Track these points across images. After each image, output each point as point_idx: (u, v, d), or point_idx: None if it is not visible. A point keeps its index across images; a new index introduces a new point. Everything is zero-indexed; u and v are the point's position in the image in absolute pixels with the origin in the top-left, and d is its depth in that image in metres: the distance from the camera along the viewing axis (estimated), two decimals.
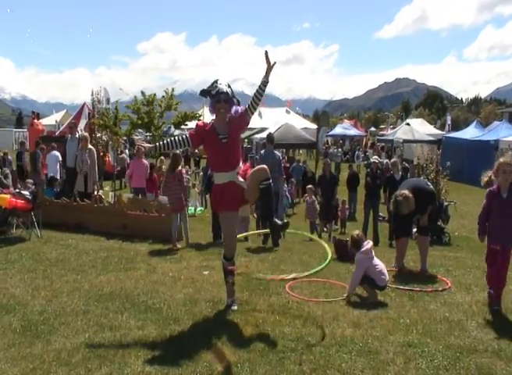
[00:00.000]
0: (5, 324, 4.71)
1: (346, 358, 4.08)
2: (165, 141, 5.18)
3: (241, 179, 5.05)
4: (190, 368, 3.86)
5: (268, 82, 4.91)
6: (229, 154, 5.00)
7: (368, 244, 5.90)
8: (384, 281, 5.73)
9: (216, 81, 5.01)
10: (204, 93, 5.06)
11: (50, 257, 7.40)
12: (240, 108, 5.06)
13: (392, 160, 13.24)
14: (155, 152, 5.17)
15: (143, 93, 15.80)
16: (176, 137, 5.20)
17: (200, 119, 19.71)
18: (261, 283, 6.10)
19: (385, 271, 5.80)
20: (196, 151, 29.35)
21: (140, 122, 15.65)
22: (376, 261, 5.82)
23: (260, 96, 4.97)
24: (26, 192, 8.88)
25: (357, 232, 6.10)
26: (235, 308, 5.20)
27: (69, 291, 5.77)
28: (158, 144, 5.17)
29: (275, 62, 4.82)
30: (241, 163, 5.21)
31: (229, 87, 5.00)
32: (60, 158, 14.49)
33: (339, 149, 36.46)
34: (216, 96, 4.92)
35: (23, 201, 8.65)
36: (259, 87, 4.93)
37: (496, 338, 4.58)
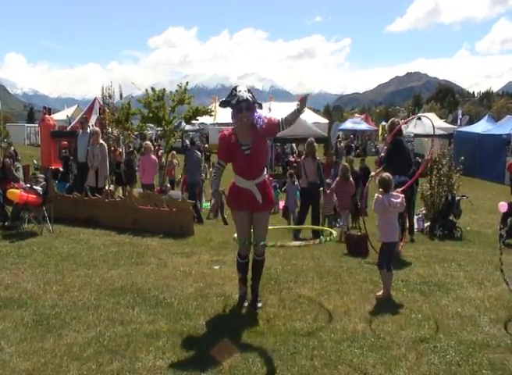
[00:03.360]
0: (17, 318, 4.74)
1: (357, 353, 4.07)
2: (214, 180, 5.17)
3: (258, 191, 4.96)
4: (200, 363, 3.86)
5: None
6: (251, 165, 4.92)
7: (399, 198, 5.55)
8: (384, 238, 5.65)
9: (235, 89, 4.82)
10: (225, 104, 4.87)
11: (61, 251, 7.43)
12: (268, 118, 4.96)
13: None
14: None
15: (153, 89, 15.77)
16: (216, 171, 5.16)
17: (212, 115, 19.62)
18: (272, 278, 6.10)
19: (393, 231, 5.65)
20: (206, 145, 29.31)
21: (151, 115, 15.62)
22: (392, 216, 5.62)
23: (295, 116, 4.92)
24: (37, 187, 8.94)
25: (387, 174, 5.75)
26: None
27: (81, 286, 5.79)
28: (214, 185, 5.17)
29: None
30: (265, 171, 5.16)
31: (249, 91, 4.83)
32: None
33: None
34: (237, 105, 4.74)
35: (34, 196, 8.70)
36: (297, 110, 4.83)
37: (508, 334, 4.54)
